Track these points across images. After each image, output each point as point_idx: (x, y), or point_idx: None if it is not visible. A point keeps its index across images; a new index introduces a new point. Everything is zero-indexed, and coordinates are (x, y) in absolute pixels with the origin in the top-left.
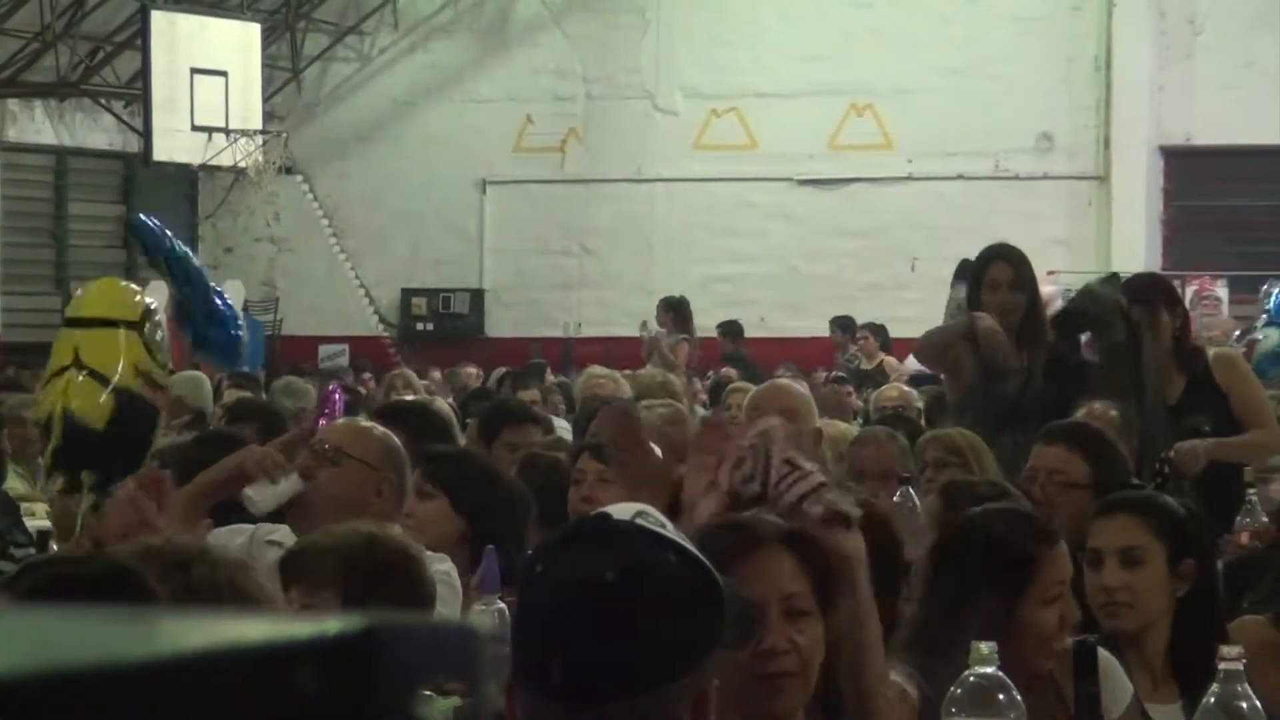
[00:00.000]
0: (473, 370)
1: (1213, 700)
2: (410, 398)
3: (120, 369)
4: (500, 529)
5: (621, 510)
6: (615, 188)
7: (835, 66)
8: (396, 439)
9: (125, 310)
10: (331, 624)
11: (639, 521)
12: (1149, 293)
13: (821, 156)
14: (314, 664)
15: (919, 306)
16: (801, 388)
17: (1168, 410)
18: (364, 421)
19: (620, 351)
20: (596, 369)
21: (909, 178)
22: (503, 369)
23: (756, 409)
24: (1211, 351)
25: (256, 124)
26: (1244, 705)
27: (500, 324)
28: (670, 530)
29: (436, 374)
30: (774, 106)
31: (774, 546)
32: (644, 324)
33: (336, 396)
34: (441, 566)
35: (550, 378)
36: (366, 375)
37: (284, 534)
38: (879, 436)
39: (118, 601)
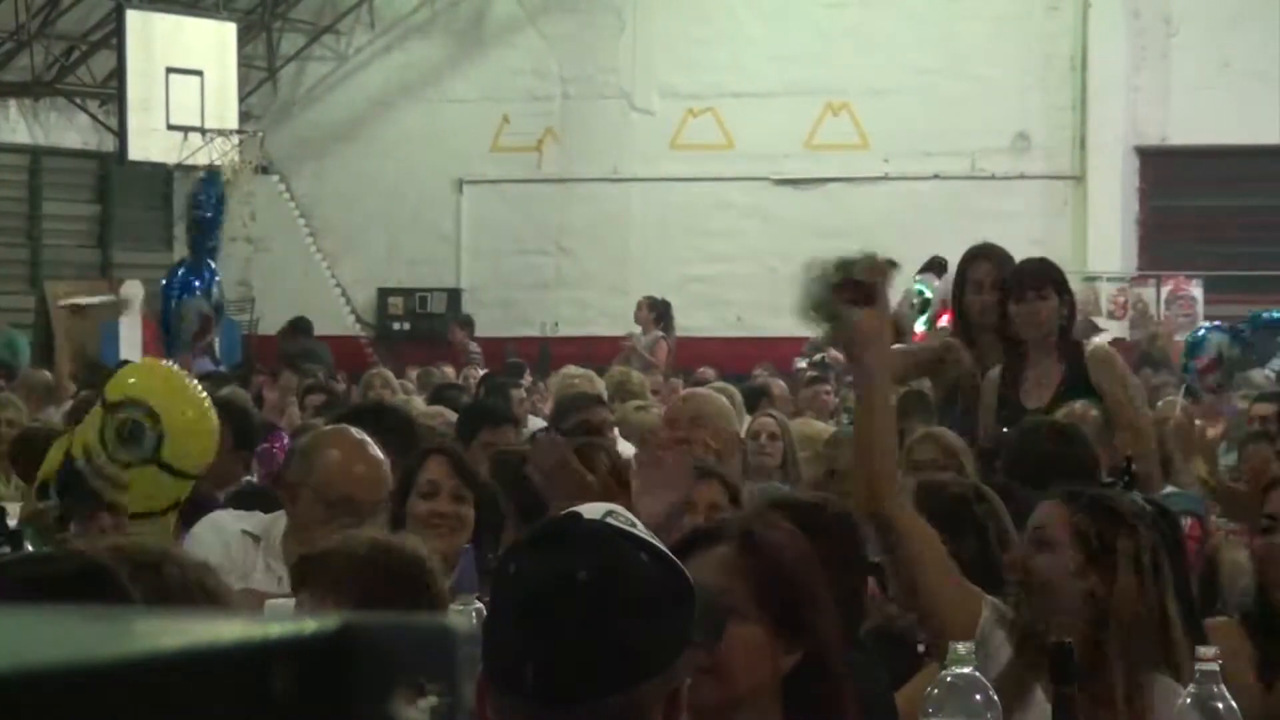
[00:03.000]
0: (449, 370)
1: (1189, 700)
2: (387, 397)
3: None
4: (489, 523)
5: (592, 510)
6: (592, 187)
7: (811, 66)
8: (384, 461)
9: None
10: (307, 624)
11: (610, 521)
12: (1039, 279)
13: (798, 156)
14: (289, 663)
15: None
16: (723, 396)
17: (1041, 409)
18: (357, 458)
19: (597, 351)
20: (572, 368)
21: (885, 177)
22: (481, 370)
23: (672, 419)
24: (1089, 347)
25: (232, 123)
26: (1220, 705)
27: (477, 324)
28: (640, 529)
29: (414, 374)
30: (750, 106)
31: (726, 543)
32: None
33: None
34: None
35: (528, 379)
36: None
37: (256, 522)
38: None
39: (91, 600)
